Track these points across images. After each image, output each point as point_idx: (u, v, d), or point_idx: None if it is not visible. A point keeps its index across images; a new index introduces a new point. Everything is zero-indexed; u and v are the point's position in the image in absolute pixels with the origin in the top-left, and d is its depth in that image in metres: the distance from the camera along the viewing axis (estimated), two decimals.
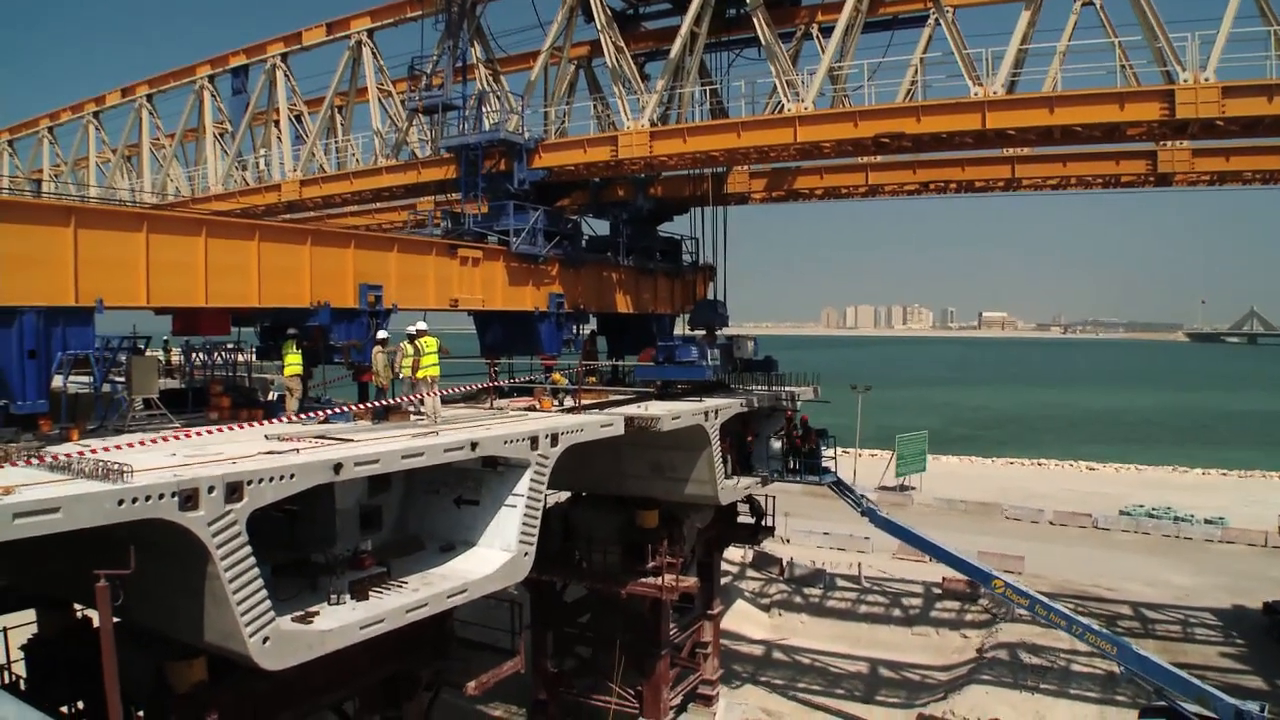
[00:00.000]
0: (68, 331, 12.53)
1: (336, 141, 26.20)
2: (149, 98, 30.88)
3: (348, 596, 12.21)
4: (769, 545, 36.27)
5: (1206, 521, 44.54)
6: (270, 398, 18.49)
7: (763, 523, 27.32)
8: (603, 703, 23.49)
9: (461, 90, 22.67)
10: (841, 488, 24.29)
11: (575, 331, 22.82)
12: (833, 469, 23.89)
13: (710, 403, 20.49)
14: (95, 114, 33.92)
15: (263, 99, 27.39)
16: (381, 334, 16.39)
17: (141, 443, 12.20)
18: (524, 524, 14.44)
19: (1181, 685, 19.30)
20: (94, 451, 10.55)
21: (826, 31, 20.15)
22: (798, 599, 35.88)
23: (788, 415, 23.85)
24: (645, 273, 26.07)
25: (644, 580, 21.34)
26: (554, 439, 15.03)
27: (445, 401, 17.62)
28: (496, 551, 14.45)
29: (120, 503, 8.98)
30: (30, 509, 8.37)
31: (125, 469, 9.38)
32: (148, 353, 14.87)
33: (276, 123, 27.23)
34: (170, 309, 14.90)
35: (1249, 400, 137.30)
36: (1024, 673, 27.30)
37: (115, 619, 9.24)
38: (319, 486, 11.32)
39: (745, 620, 33.53)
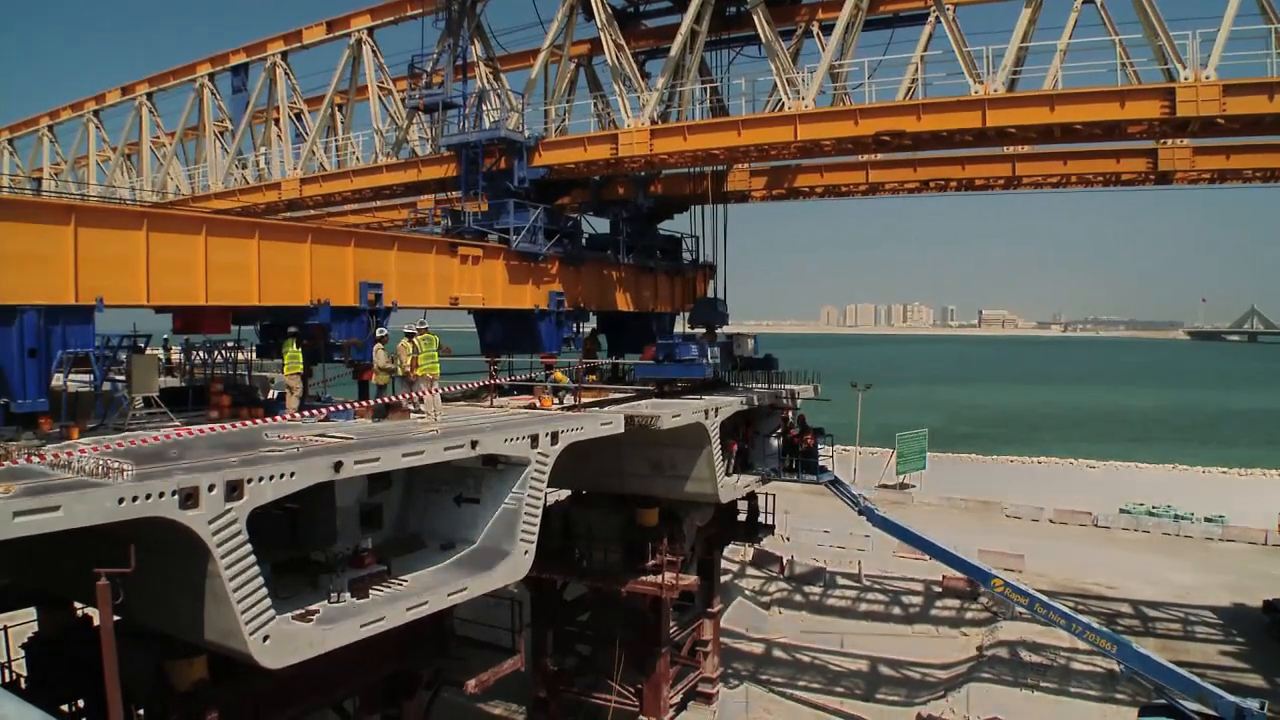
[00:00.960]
0: (68, 330, 12.51)
1: (337, 140, 26.21)
2: (149, 96, 30.89)
3: (348, 595, 12.22)
4: (769, 543, 36.27)
5: (1207, 520, 44.43)
6: (270, 396, 18.49)
7: (762, 520, 27.34)
8: (603, 701, 23.51)
9: (462, 88, 22.68)
10: (839, 486, 24.27)
11: (575, 330, 22.85)
12: (830, 467, 23.90)
13: (710, 401, 20.49)
14: (95, 112, 33.93)
15: (263, 97, 27.41)
16: (381, 332, 16.41)
17: (143, 441, 12.23)
18: (524, 522, 14.44)
19: (1182, 683, 19.27)
20: (94, 450, 10.55)
21: (827, 29, 20.17)
22: (798, 597, 35.91)
23: (784, 414, 23.85)
24: (645, 271, 26.07)
25: (644, 578, 21.35)
26: (554, 437, 15.03)
27: (445, 399, 17.64)
28: (497, 549, 14.45)
29: (120, 501, 8.97)
30: (30, 507, 8.37)
31: (126, 467, 9.37)
32: (148, 351, 14.87)
33: (277, 121, 27.25)
34: (170, 307, 14.90)
35: (1249, 398, 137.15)
36: (1024, 671, 27.31)
37: (116, 617, 9.25)
38: (319, 485, 11.33)
39: (746, 618, 33.54)
